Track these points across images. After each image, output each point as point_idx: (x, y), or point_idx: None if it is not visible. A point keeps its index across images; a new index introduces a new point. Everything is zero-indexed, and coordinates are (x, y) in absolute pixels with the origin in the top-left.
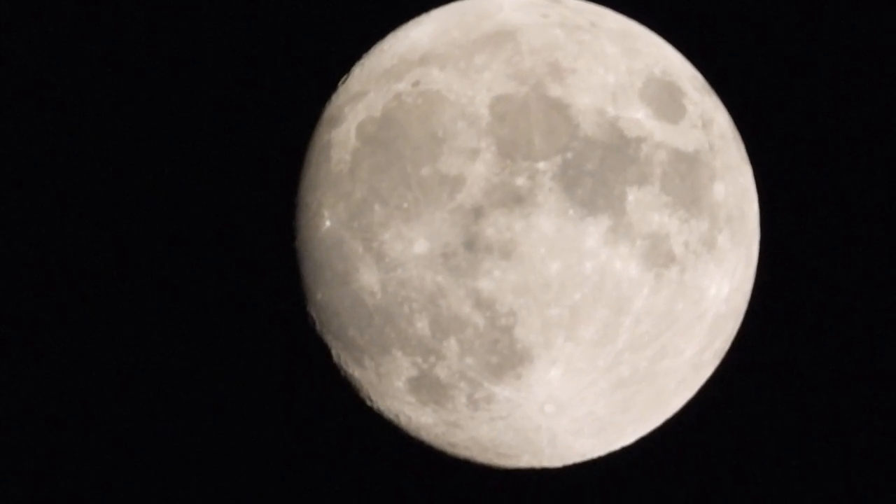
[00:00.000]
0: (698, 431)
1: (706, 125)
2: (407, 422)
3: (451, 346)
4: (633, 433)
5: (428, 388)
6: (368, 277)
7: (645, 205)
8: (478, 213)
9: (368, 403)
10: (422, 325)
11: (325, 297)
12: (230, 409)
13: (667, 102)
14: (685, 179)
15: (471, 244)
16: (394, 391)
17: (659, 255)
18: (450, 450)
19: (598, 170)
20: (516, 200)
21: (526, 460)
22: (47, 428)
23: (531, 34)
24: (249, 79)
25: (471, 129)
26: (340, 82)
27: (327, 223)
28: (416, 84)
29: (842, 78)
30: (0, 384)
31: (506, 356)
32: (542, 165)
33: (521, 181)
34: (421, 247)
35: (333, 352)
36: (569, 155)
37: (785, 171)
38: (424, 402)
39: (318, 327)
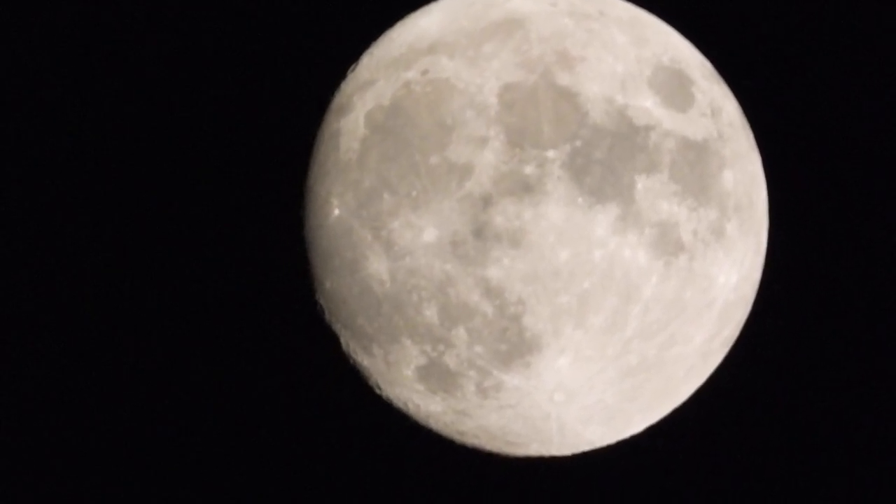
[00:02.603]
0: (707, 420)
1: (715, 113)
2: (416, 410)
3: (460, 334)
4: (641, 421)
5: (437, 376)
6: (377, 266)
7: (654, 193)
8: (486, 201)
9: (377, 392)
10: (430, 313)
11: (333, 286)
12: (239, 398)
13: (675, 91)
14: (694, 168)
15: (479, 232)
16: (403, 379)
17: (668, 244)
18: (458, 438)
19: (607, 158)
20: (525, 189)
21: (535, 448)
22: (58, 415)
23: (540, 22)
24: (258, 68)
25: (479, 118)
26: (349, 71)
27: (336, 211)
28: (424, 72)
29: (850, 66)
30: (27, 378)
31: (515, 344)
32: (550, 154)
33: (529, 169)
34: (430, 235)
35: (342, 340)
36: (577, 143)
37: (794, 159)
38: (433, 390)
39: (326, 316)
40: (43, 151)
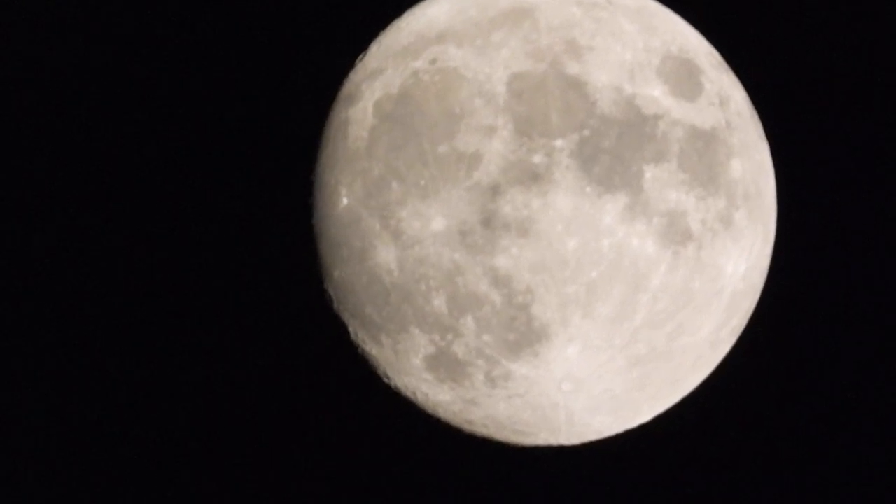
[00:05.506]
0: (715, 409)
1: (723, 102)
2: (424, 399)
3: (469, 323)
4: (649, 411)
5: (445, 365)
6: (386, 255)
7: (662, 182)
8: (495, 190)
9: (385, 381)
10: (439, 302)
11: (342, 275)
12: (248, 388)
13: (684, 80)
14: (702, 157)
15: (488, 221)
16: (411, 368)
17: (676, 233)
18: (467, 427)
19: (616, 147)
20: (533, 178)
21: (543, 438)
22: (72, 409)
23: (548, 11)
24: (267, 58)
25: (488, 107)
26: (358, 60)
27: (344, 201)
28: (433, 61)
29: (858, 54)
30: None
31: (523, 333)
32: (559, 143)
33: (538, 158)
34: (438, 224)
35: (350, 329)
36: (586, 132)
37: (802, 148)
38: (442, 379)
39: (335, 305)
40: (52, 142)
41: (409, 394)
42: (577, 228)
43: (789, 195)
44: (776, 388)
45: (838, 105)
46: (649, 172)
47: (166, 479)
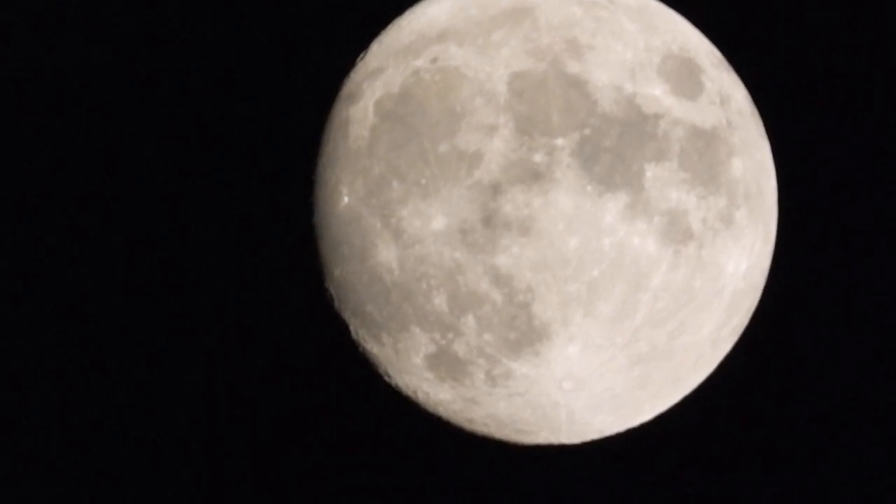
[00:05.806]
0: (716, 408)
1: (724, 101)
2: (425, 398)
3: (469, 322)
4: (650, 410)
5: (446, 364)
6: (386, 254)
7: (663, 181)
8: (496, 189)
9: (386, 380)
10: (440, 301)
11: (343, 274)
12: (248, 387)
13: (685, 79)
14: (703, 156)
15: (489, 220)
16: (412, 367)
17: (677, 232)
18: (468, 426)
19: (616, 146)
20: (534, 177)
21: (544, 437)
22: (77, 406)
23: (549, 10)
24: (268, 57)
25: (489, 106)
26: (358, 59)
27: (345, 199)
28: (434, 60)
29: (858, 56)
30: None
31: (524, 332)
32: (560, 142)
33: (539, 157)
34: (439, 223)
35: (351, 328)
36: (587, 131)
37: (802, 147)
38: (442, 378)
39: (336, 304)
40: (52, 142)
41: (409, 392)
42: (578, 227)
43: (789, 195)
44: (776, 388)
45: (838, 105)
46: (650, 171)
47: (166, 479)
